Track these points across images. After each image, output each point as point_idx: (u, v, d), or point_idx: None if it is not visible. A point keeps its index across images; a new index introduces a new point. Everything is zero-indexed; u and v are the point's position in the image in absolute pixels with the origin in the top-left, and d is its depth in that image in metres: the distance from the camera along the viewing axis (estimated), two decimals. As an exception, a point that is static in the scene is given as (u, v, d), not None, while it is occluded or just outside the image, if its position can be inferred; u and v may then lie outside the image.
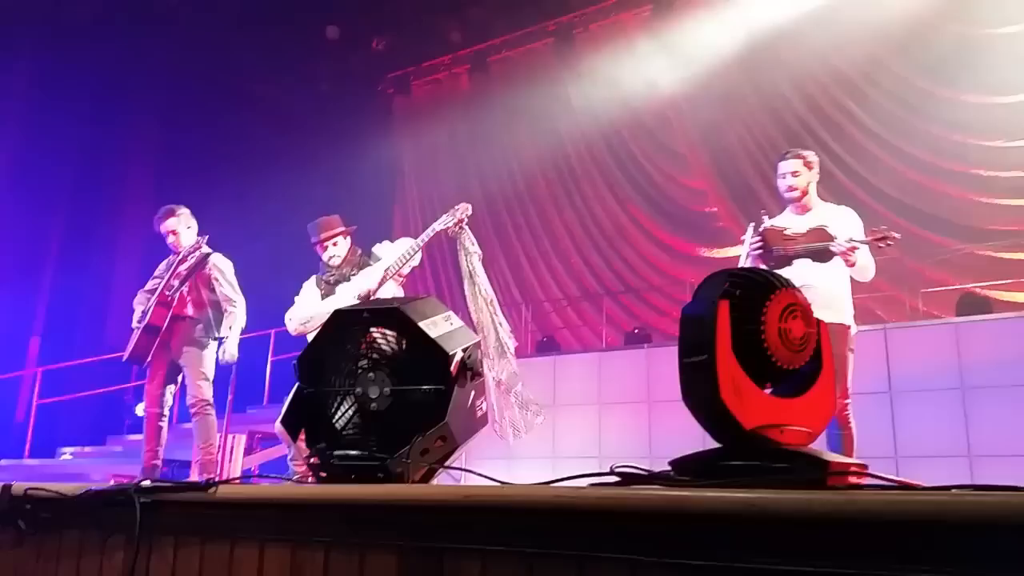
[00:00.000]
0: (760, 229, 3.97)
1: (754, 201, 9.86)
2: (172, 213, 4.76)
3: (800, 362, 1.50)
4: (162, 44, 10.57)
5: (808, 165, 3.98)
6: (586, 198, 11.41)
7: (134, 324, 4.73)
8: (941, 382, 6.30)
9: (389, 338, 2.02)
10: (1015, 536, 0.98)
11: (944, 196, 8.58)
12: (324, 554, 1.63)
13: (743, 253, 4.04)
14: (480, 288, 4.24)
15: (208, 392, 4.61)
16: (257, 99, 11.40)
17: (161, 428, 4.64)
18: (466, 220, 4.25)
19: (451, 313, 2.16)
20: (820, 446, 3.63)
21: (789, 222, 4.00)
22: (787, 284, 1.53)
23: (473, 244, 4.27)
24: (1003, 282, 8.10)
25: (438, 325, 2.04)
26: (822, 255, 3.80)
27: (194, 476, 4.57)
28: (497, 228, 11.80)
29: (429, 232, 4.25)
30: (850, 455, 3.65)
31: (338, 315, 2.12)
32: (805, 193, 3.98)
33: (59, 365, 9.51)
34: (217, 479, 2.31)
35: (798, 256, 3.83)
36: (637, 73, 10.42)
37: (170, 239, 4.75)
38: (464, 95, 12.39)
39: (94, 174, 10.94)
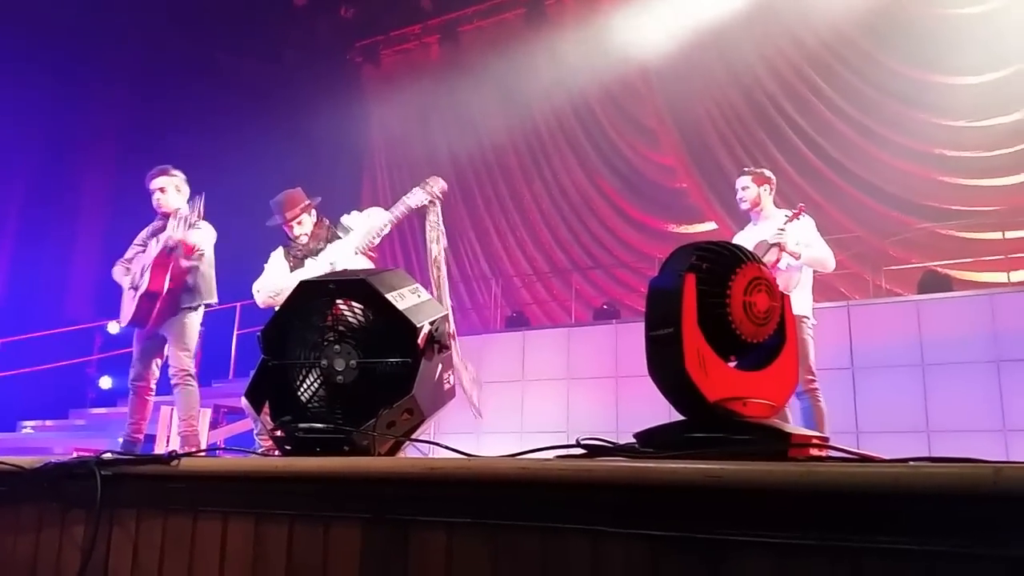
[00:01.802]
0: None
1: (723, 178, 9.92)
2: (166, 172, 4.59)
3: (764, 335, 1.52)
4: (126, 11, 10.27)
5: (757, 180, 4.50)
6: (555, 171, 11.39)
7: (126, 288, 4.61)
8: (902, 358, 6.43)
9: (356, 310, 1.99)
10: (969, 505, 1.01)
11: (908, 175, 8.70)
12: (288, 527, 1.62)
13: None
14: (434, 263, 4.17)
15: (191, 363, 4.52)
16: (223, 66, 11.16)
17: (148, 402, 4.57)
18: (439, 197, 4.19)
19: (418, 285, 2.14)
20: (794, 421, 3.75)
21: (747, 235, 4.51)
22: (753, 258, 1.53)
23: (439, 220, 4.22)
24: (964, 261, 8.26)
25: (405, 297, 2.02)
26: (766, 254, 4.20)
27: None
28: (467, 200, 11.75)
29: (402, 209, 4.18)
30: (822, 427, 4.00)
31: (304, 286, 2.09)
32: (756, 204, 4.50)
33: (18, 337, 9.32)
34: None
35: None
36: (608, 45, 10.37)
37: (156, 196, 4.57)
38: (434, 65, 12.25)
39: (55, 144, 10.66)
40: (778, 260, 4.21)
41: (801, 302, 4.24)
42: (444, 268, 4.20)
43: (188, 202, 4.49)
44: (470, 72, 11.29)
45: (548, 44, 10.92)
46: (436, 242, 4.20)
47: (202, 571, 1.71)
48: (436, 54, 12.35)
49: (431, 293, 3.97)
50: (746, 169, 4.64)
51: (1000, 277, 7.93)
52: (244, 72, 11.32)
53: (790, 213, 4.37)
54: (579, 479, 1.29)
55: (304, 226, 4.30)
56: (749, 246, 4.24)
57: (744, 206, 4.51)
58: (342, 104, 11.63)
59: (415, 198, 4.17)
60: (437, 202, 4.19)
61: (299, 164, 9.73)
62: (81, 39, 10.25)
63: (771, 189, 4.51)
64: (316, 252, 4.27)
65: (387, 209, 4.26)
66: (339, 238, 4.28)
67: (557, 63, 10.85)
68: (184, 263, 4.46)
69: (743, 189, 4.49)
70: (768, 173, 4.55)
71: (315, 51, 12.01)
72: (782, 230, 4.22)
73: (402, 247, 11.50)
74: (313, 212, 4.38)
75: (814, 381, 4.15)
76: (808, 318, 4.28)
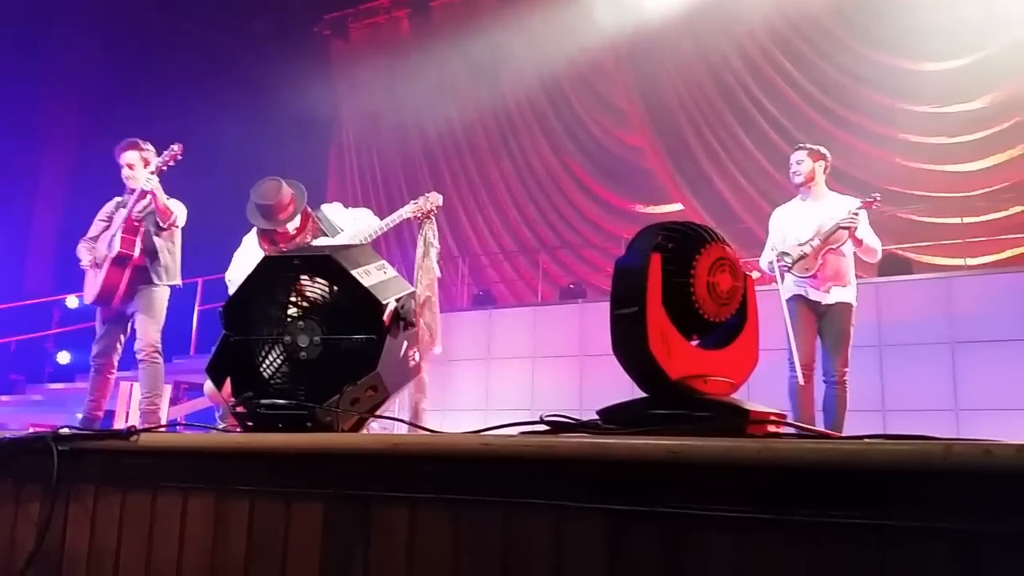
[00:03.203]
0: (777, 256, 4.44)
1: (690, 160, 9.98)
2: (136, 146, 4.48)
3: (726, 315, 1.53)
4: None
5: (813, 156, 4.49)
6: (524, 149, 11.36)
7: (85, 265, 4.50)
8: (859, 339, 6.50)
9: (320, 286, 1.98)
10: (921, 481, 1.03)
11: (871, 158, 8.82)
12: (249, 503, 1.61)
13: (779, 285, 4.45)
14: (422, 280, 4.09)
15: (159, 338, 4.43)
16: (188, 37, 10.91)
17: (109, 379, 4.50)
18: (435, 211, 4.12)
19: (384, 262, 2.13)
20: (818, 403, 3.81)
21: (797, 209, 4.54)
22: (718, 238, 1.54)
23: (435, 237, 4.15)
24: (923, 244, 8.42)
25: (371, 274, 2.00)
26: (837, 236, 4.29)
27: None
28: (435, 178, 11.66)
29: (395, 218, 4.11)
30: (844, 412, 4.22)
31: (268, 261, 2.07)
32: (811, 179, 4.48)
33: (-27, 311, 9.11)
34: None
35: (819, 254, 4.31)
36: (579, 24, 10.33)
37: (125, 172, 4.47)
38: (404, 40, 12.11)
39: (13, 115, 10.35)
40: (844, 243, 4.29)
41: (851, 288, 4.37)
42: (431, 280, 4.07)
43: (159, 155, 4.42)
44: (440, 48, 11.17)
45: (519, 22, 10.82)
46: (425, 256, 4.10)
47: (161, 547, 1.70)
48: (406, 29, 12.20)
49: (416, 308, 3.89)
50: (801, 144, 4.63)
51: (959, 261, 8.10)
52: (210, 43, 11.07)
53: (857, 200, 4.39)
54: (542, 455, 1.30)
55: (295, 221, 4.06)
56: (796, 219, 4.37)
57: (797, 179, 4.50)
58: (310, 77, 11.43)
59: (408, 210, 4.10)
60: (433, 218, 4.11)
61: (265, 138, 9.57)
62: (41, 9, 9.94)
63: (826, 166, 4.52)
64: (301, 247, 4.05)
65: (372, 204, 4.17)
66: (324, 233, 4.13)
67: (528, 41, 10.77)
68: (155, 228, 4.38)
69: (798, 163, 4.49)
70: (823, 150, 4.54)
71: (283, 23, 11.80)
72: (856, 215, 4.25)
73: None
74: (297, 211, 4.11)
75: (847, 372, 4.29)
76: (854, 305, 4.38)
